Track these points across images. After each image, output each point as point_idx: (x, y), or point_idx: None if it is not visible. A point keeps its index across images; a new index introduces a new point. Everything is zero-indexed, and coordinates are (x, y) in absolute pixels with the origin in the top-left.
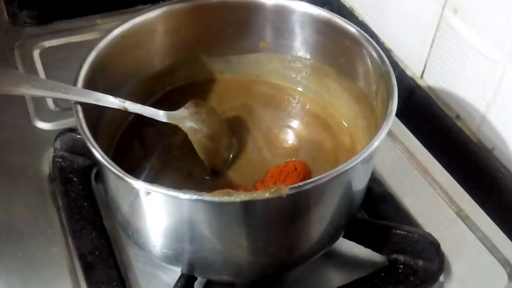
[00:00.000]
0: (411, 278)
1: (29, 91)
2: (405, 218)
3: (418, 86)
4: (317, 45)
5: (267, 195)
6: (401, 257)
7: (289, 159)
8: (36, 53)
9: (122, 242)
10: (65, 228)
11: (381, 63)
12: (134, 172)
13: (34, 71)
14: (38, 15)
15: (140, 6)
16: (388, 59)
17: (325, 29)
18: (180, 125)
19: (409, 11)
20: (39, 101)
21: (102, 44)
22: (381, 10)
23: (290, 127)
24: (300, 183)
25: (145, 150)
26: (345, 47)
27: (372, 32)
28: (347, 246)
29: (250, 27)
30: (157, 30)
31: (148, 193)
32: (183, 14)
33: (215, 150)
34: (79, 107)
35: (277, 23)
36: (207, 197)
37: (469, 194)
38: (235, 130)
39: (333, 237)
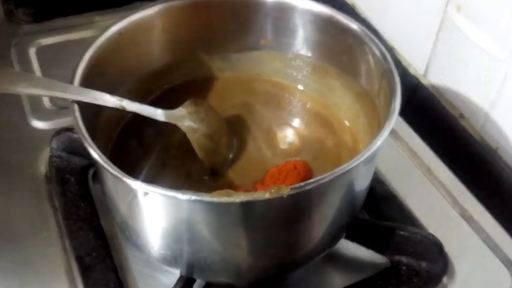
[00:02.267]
0: (414, 280)
1: (25, 90)
2: (408, 218)
3: (421, 84)
4: (319, 43)
5: (267, 195)
6: (404, 259)
7: (290, 159)
8: (32, 51)
9: (120, 243)
10: (61, 229)
11: (383, 61)
12: (132, 172)
13: (30, 69)
14: (34, 13)
15: (138, 4)
16: (391, 57)
17: (326, 27)
18: (179, 124)
19: (412, 8)
20: (35, 100)
21: (99, 42)
22: (383, 7)
23: (291, 126)
24: (301, 184)
25: (143, 149)
26: (347, 45)
27: (375, 29)
28: (349, 247)
29: (251, 24)
30: (155, 28)
31: (146, 193)
32: (181, 11)
33: (214, 150)
34: (76, 106)
35: (278, 20)
36: (206, 197)
37: (473, 194)
38: (235, 129)
39: (335, 238)
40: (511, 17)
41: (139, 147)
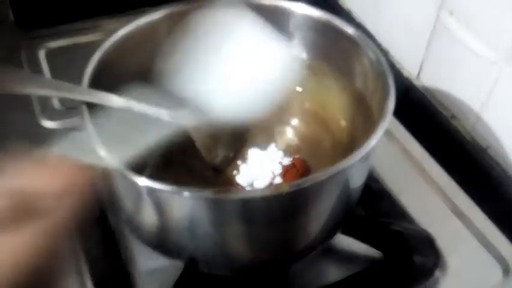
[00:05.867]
0: (407, 273)
1: (35, 90)
2: (402, 214)
3: (414, 86)
4: (316, 46)
5: (267, 192)
6: (397, 253)
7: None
8: (42, 54)
9: (126, 237)
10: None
11: (378, 64)
12: (138, 169)
13: (40, 71)
14: (43, 17)
15: (144, 9)
16: (385, 59)
17: (324, 31)
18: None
19: (406, 13)
20: (45, 100)
21: (106, 45)
22: (378, 12)
23: (290, 125)
24: (299, 181)
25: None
26: (343, 48)
27: (370, 33)
28: (345, 242)
29: None
30: (160, 31)
31: (151, 190)
32: (185, 15)
33: (216, 148)
34: (84, 106)
35: (277, 24)
36: (208, 194)
37: (464, 191)
38: (236, 128)
39: (331, 233)
40: (502, 21)
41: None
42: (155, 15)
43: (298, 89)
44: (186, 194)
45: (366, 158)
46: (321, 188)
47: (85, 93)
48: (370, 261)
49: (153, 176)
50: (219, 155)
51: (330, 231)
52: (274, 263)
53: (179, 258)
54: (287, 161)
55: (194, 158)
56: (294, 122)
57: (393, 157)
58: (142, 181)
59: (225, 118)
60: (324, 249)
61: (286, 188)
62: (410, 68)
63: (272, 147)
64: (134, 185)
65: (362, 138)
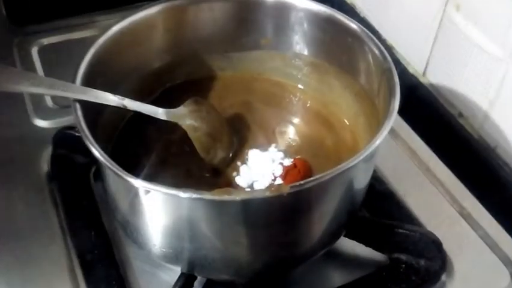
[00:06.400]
0: (413, 277)
1: (27, 89)
2: (407, 216)
3: (420, 83)
4: (318, 42)
5: (267, 193)
6: (403, 256)
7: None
8: (34, 51)
9: (121, 240)
10: (63, 226)
11: (383, 61)
12: (134, 170)
13: (33, 69)
14: (36, 13)
15: (139, 3)
16: (390, 56)
17: (326, 26)
18: (180, 123)
19: (411, 8)
20: (38, 99)
21: (101, 41)
22: (383, 7)
23: (291, 125)
24: (301, 182)
25: (145, 148)
26: (346, 44)
27: (374, 28)
28: (349, 245)
29: (251, 24)
30: (157, 27)
31: (147, 191)
32: (183, 10)
33: (215, 148)
34: (78, 105)
35: (278, 19)
36: (207, 195)
37: (471, 192)
38: (235, 128)
39: (335, 236)
40: (509, 17)
41: (140, 146)
42: (151, 11)
43: (300, 86)
44: (184, 195)
45: (370, 157)
46: (324, 189)
47: (78, 91)
48: (375, 265)
49: (150, 177)
50: (218, 156)
51: (333, 234)
52: (275, 267)
53: (177, 262)
54: (288, 161)
55: (192, 159)
56: (296, 121)
57: (398, 157)
58: (138, 182)
59: None
60: (327, 252)
61: (287, 189)
62: (416, 65)
63: (272, 147)
64: (130, 186)
65: (366, 138)
